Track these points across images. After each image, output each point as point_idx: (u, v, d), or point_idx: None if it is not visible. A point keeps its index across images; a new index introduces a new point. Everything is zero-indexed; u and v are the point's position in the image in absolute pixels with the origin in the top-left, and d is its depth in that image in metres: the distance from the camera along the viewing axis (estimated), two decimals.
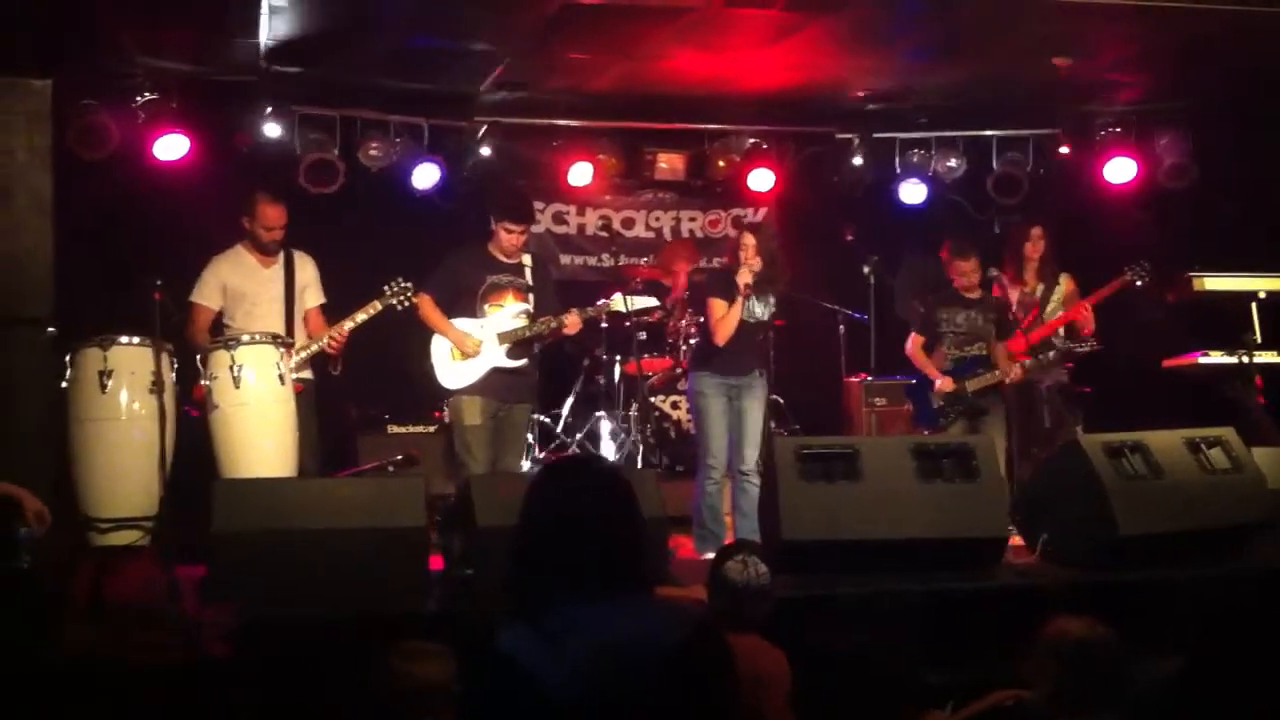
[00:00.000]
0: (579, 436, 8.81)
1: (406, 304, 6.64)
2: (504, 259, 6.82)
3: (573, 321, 6.75)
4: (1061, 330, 7.87)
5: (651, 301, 7.41)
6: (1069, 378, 7.80)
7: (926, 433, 7.45)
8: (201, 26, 7.26)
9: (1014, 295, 7.87)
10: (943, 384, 7.49)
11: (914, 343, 7.68)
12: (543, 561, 2.51)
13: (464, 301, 6.75)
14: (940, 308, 7.62)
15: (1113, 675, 3.38)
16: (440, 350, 6.76)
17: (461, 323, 6.74)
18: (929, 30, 7.51)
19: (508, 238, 6.76)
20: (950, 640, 4.90)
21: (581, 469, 2.71)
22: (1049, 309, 7.88)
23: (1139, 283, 7.64)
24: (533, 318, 6.78)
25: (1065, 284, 7.93)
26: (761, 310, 6.95)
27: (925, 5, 6.83)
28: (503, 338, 6.72)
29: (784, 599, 4.38)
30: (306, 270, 6.81)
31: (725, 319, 6.82)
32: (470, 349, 6.66)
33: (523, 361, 6.79)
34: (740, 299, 6.79)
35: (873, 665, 4.77)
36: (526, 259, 6.92)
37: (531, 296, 6.85)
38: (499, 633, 2.42)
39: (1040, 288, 7.93)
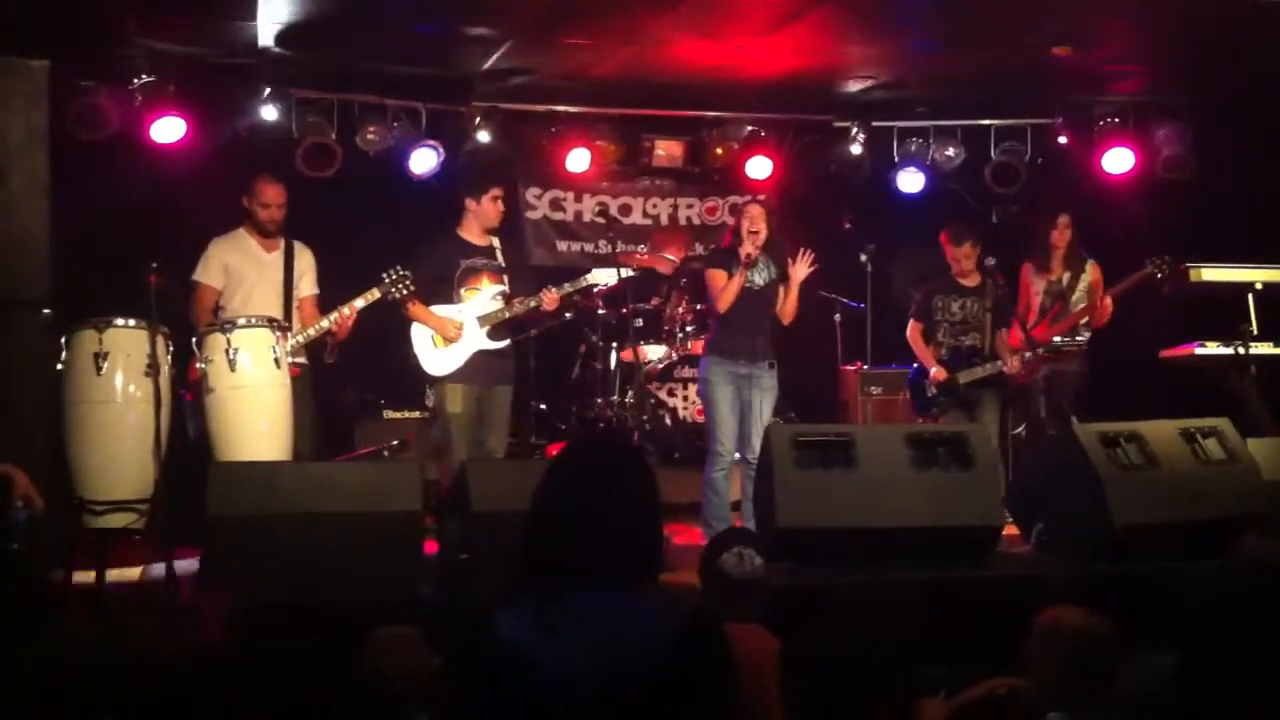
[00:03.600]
0: (575, 423, 8.80)
1: (405, 292, 6.64)
2: (475, 242, 6.89)
3: (550, 299, 6.83)
4: (1085, 321, 7.86)
5: (629, 271, 7.44)
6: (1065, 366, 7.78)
7: (921, 420, 7.46)
8: (200, 9, 7.25)
9: (1040, 285, 7.88)
10: (936, 374, 7.50)
11: (913, 329, 7.70)
12: (560, 545, 2.43)
13: (441, 289, 6.80)
14: (936, 295, 7.63)
15: (1109, 667, 3.36)
16: (421, 338, 6.81)
17: (440, 310, 6.79)
18: (931, 19, 7.49)
19: (493, 205, 6.83)
20: (944, 628, 4.89)
21: (609, 450, 2.61)
22: (1074, 298, 7.88)
23: (1160, 275, 7.64)
24: (508, 298, 6.83)
25: (1091, 272, 7.94)
26: (760, 278, 6.99)
27: None
28: (483, 320, 6.79)
29: (777, 587, 4.38)
30: (305, 259, 6.84)
31: (726, 289, 6.89)
32: (452, 334, 6.72)
33: (505, 343, 6.88)
34: (742, 269, 6.84)
35: (865, 653, 4.77)
36: (496, 241, 6.98)
37: (506, 278, 6.91)
38: (498, 617, 2.38)
39: (1067, 276, 7.93)
